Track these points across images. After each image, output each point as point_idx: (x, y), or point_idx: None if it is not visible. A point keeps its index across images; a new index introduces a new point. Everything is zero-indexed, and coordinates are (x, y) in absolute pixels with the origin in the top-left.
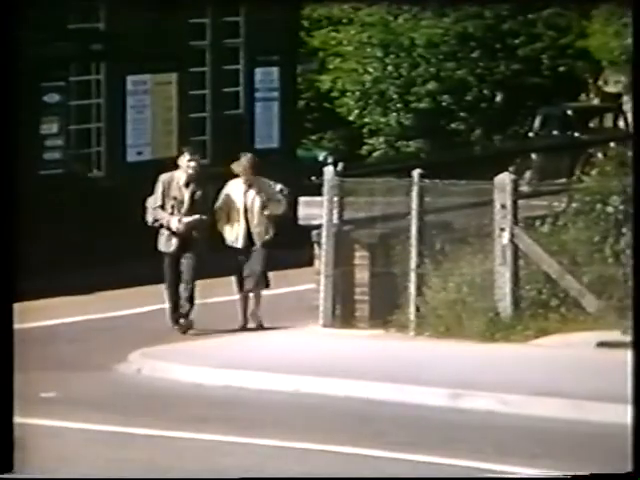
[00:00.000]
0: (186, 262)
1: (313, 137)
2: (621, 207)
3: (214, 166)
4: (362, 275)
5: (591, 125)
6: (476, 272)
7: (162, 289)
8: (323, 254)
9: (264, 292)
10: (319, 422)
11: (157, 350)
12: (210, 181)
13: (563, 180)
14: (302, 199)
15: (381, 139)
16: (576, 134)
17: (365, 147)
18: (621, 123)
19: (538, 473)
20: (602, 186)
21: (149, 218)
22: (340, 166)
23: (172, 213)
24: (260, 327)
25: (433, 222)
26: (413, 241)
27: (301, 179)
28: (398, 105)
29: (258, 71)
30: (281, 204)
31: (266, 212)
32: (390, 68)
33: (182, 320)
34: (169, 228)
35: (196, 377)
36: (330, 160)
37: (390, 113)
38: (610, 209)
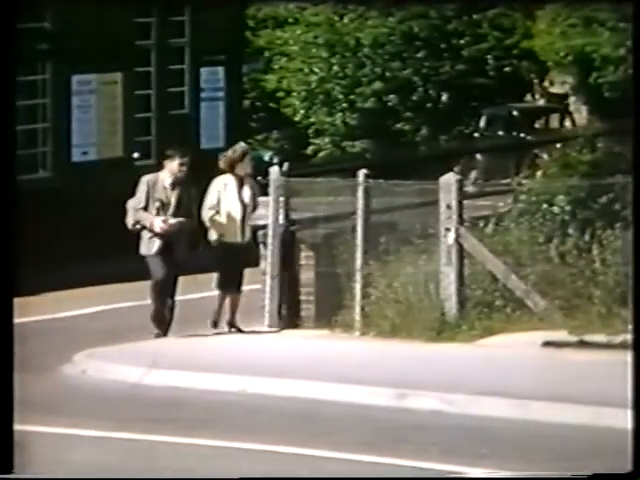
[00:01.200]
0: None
1: (259, 137)
2: (567, 208)
3: (159, 166)
4: (307, 275)
5: (537, 126)
6: (421, 272)
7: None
8: (269, 254)
9: (210, 293)
10: (265, 422)
11: (102, 351)
12: (194, 183)
13: (508, 180)
14: None
15: (327, 139)
16: (521, 135)
17: (311, 147)
18: (567, 124)
19: (539, 473)
20: (547, 187)
21: (130, 220)
22: (286, 166)
23: (157, 215)
24: (238, 330)
25: (378, 222)
26: (358, 241)
27: None
28: (344, 105)
29: (203, 71)
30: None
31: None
32: (336, 68)
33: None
34: (152, 230)
35: (140, 378)
36: (276, 160)
37: (336, 113)
38: (556, 209)
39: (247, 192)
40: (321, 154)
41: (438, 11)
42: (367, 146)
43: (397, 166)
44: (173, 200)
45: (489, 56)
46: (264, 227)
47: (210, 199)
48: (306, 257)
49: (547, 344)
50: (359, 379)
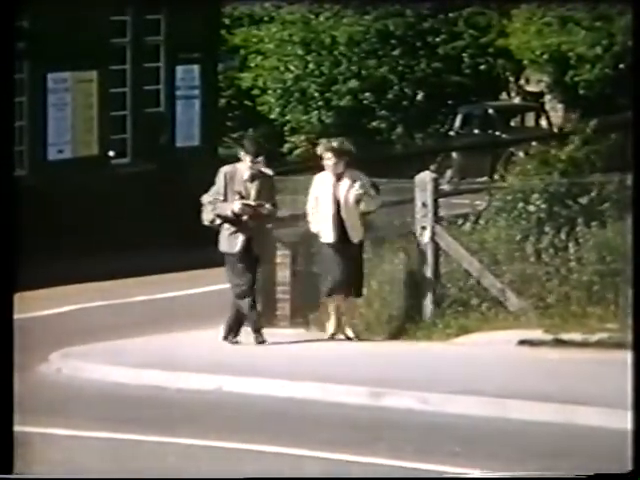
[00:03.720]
0: (258, 264)
1: (234, 135)
2: (543, 206)
3: (134, 164)
4: (283, 274)
5: (512, 124)
6: (397, 270)
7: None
8: None
9: (186, 292)
10: (240, 421)
11: (78, 350)
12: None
13: (484, 179)
14: None
15: (302, 137)
16: (497, 133)
17: (286, 145)
18: (543, 122)
19: (539, 473)
20: (523, 185)
21: (207, 215)
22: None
23: None
24: (349, 338)
25: None
26: None
27: None
28: (319, 103)
29: (179, 69)
30: (374, 199)
31: (361, 207)
32: (311, 66)
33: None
34: (233, 219)
35: (117, 377)
36: None
37: (311, 111)
38: (532, 208)
39: (344, 188)
40: (297, 152)
41: (414, 9)
42: None
43: (373, 164)
44: (253, 192)
45: (465, 54)
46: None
47: (309, 198)
48: (282, 255)
49: (522, 343)
50: (335, 378)
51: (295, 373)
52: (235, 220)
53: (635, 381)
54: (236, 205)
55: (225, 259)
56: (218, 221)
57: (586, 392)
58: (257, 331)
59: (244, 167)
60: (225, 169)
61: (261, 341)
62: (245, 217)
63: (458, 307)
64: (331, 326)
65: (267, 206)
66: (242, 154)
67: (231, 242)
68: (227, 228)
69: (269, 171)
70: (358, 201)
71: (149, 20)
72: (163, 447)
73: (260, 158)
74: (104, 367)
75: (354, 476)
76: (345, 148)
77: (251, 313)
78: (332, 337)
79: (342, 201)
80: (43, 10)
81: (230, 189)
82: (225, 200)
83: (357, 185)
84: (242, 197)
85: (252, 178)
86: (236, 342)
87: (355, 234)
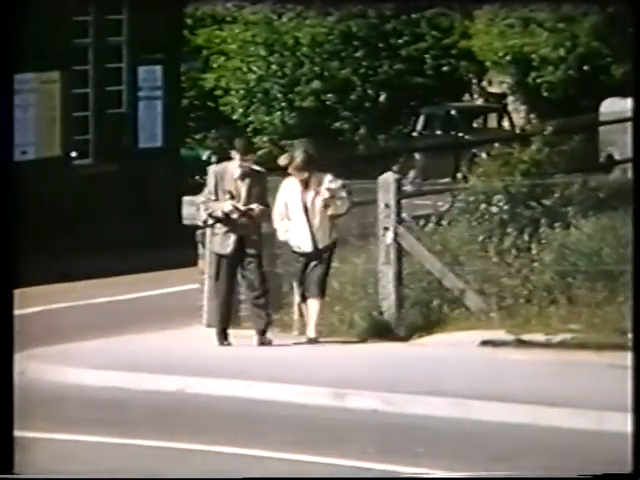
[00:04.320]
0: (252, 265)
1: (197, 136)
2: (505, 207)
3: (97, 165)
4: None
5: (475, 125)
6: (360, 271)
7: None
8: (207, 254)
9: (149, 293)
10: (203, 422)
11: (42, 351)
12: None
13: (447, 180)
14: (186, 198)
15: (265, 138)
16: (460, 134)
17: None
18: (505, 123)
19: (539, 473)
20: (486, 186)
21: (201, 215)
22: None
23: None
24: (312, 340)
25: None
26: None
27: (185, 178)
28: (282, 104)
29: (141, 69)
30: (344, 202)
31: (329, 211)
32: (274, 67)
33: (260, 336)
34: (224, 219)
35: (80, 379)
36: (214, 159)
37: (274, 112)
38: (494, 209)
39: (311, 194)
40: (259, 153)
41: (376, 11)
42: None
43: (335, 165)
44: (243, 191)
45: (427, 56)
46: (202, 227)
47: (276, 205)
48: None
49: (485, 343)
50: (297, 378)
51: (258, 374)
52: (226, 220)
53: (635, 383)
54: (226, 205)
55: (215, 260)
56: (210, 221)
57: (549, 393)
58: (262, 333)
59: (234, 166)
60: (215, 168)
61: (263, 342)
62: (236, 217)
63: (421, 308)
64: (296, 328)
65: (255, 207)
66: (232, 152)
67: (223, 242)
68: (219, 228)
69: (261, 169)
70: (327, 206)
71: (111, 20)
72: (125, 449)
73: (249, 156)
74: (67, 369)
75: (317, 477)
76: (305, 159)
77: (220, 314)
78: (297, 338)
79: (310, 207)
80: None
81: (221, 188)
82: (217, 199)
83: (323, 190)
84: (233, 196)
85: (243, 176)
86: (229, 344)
87: (324, 239)
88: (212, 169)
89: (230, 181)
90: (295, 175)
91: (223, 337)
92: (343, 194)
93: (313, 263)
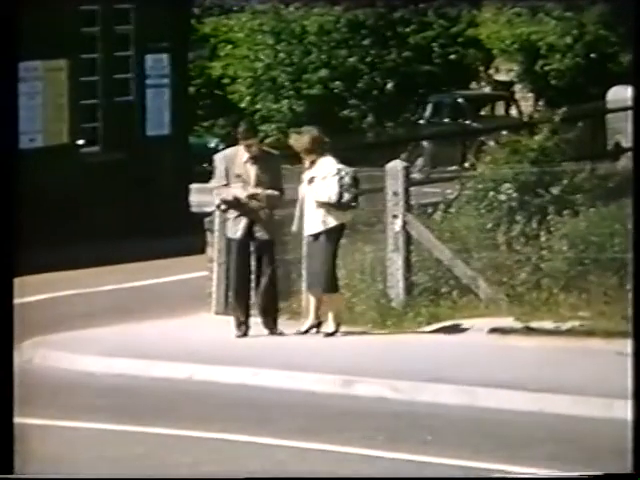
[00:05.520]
0: (262, 251)
1: (205, 124)
2: (514, 195)
3: (105, 153)
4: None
5: (482, 113)
6: (368, 259)
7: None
8: (215, 241)
9: (158, 280)
10: (212, 410)
11: (49, 339)
12: (281, 160)
13: (455, 167)
14: (194, 186)
15: (273, 126)
16: (467, 122)
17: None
18: (513, 111)
19: (539, 473)
20: (494, 174)
21: (216, 201)
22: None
23: None
24: (329, 334)
25: None
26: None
27: (193, 166)
28: (290, 92)
29: (149, 58)
30: (328, 191)
31: (316, 198)
32: (282, 55)
33: (269, 328)
34: (236, 204)
35: (87, 366)
36: (222, 147)
37: (282, 100)
38: (502, 197)
39: (306, 178)
40: (267, 141)
41: None
42: None
43: (344, 153)
44: (252, 175)
45: (435, 44)
46: (210, 214)
47: None
48: None
49: (493, 331)
50: (306, 366)
51: (266, 361)
52: (238, 205)
53: (635, 377)
54: (236, 190)
55: (229, 245)
56: (223, 207)
57: (557, 380)
58: (270, 323)
59: (243, 150)
60: (225, 152)
61: (273, 332)
62: (246, 201)
63: (429, 295)
64: (310, 319)
65: (260, 191)
66: (237, 137)
67: (234, 227)
68: (231, 213)
69: (274, 151)
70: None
71: (119, 9)
72: (132, 436)
73: (251, 140)
74: (75, 356)
75: (326, 464)
76: (312, 140)
77: (235, 304)
78: (308, 330)
79: (303, 191)
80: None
81: (231, 173)
82: (228, 184)
83: (318, 174)
84: (243, 180)
85: (252, 160)
86: (245, 334)
87: (314, 225)
88: (222, 154)
89: (239, 165)
90: (304, 157)
91: (242, 328)
92: (333, 183)
93: (310, 251)
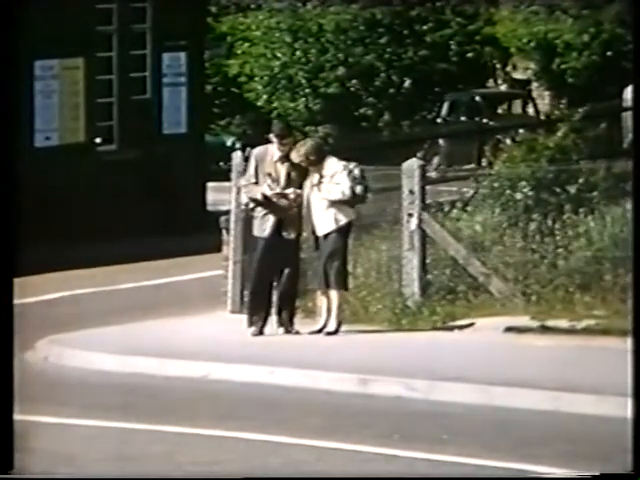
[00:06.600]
0: (288, 250)
1: (221, 122)
2: (530, 193)
3: (121, 151)
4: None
5: (499, 111)
6: (384, 258)
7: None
8: (231, 240)
9: (174, 279)
10: (228, 409)
11: (64, 337)
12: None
13: (471, 166)
14: (210, 184)
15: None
16: (484, 120)
17: None
18: (530, 109)
19: (539, 473)
20: (511, 172)
21: (245, 199)
22: (248, 151)
23: None
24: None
25: None
26: None
27: (209, 164)
28: (306, 90)
29: (165, 56)
30: (340, 188)
31: (322, 196)
32: (298, 53)
33: (284, 328)
34: (264, 202)
35: (103, 364)
36: (238, 145)
37: (298, 98)
38: (519, 195)
39: (309, 183)
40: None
41: None
42: (330, 131)
43: (360, 151)
44: (282, 174)
45: (452, 42)
46: (226, 213)
47: None
48: None
49: (509, 329)
50: (321, 365)
51: (282, 360)
52: (266, 203)
53: (635, 375)
54: (265, 188)
55: (254, 243)
56: (252, 205)
57: (573, 379)
58: (287, 323)
59: (274, 149)
60: (255, 151)
61: (289, 332)
62: (275, 200)
63: (445, 294)
64: (320, 314)
65: (291, 191)
66: (271, 136)
67: (261, 225)
68: (259, 211)
69: None
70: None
71: (135, 8)
72: (149, 435)
73: (287, 140)
74: (91, 354)
75: (341, 463)
76: (307, 152)
77: (264, 300)
78: (322, 329)
79: (310, 192)
80: None
81: (261, 171)
82: (257, 183)
83: (326, 175)
84: (273, 179)
85: (282, 159)
86: (260, 333)
87: (323, 226)
88: (253, 152)
89: (270, 164)
90: (307, 167)
91: (258, 326)
92: (344, 179)
93: (319, 251)
